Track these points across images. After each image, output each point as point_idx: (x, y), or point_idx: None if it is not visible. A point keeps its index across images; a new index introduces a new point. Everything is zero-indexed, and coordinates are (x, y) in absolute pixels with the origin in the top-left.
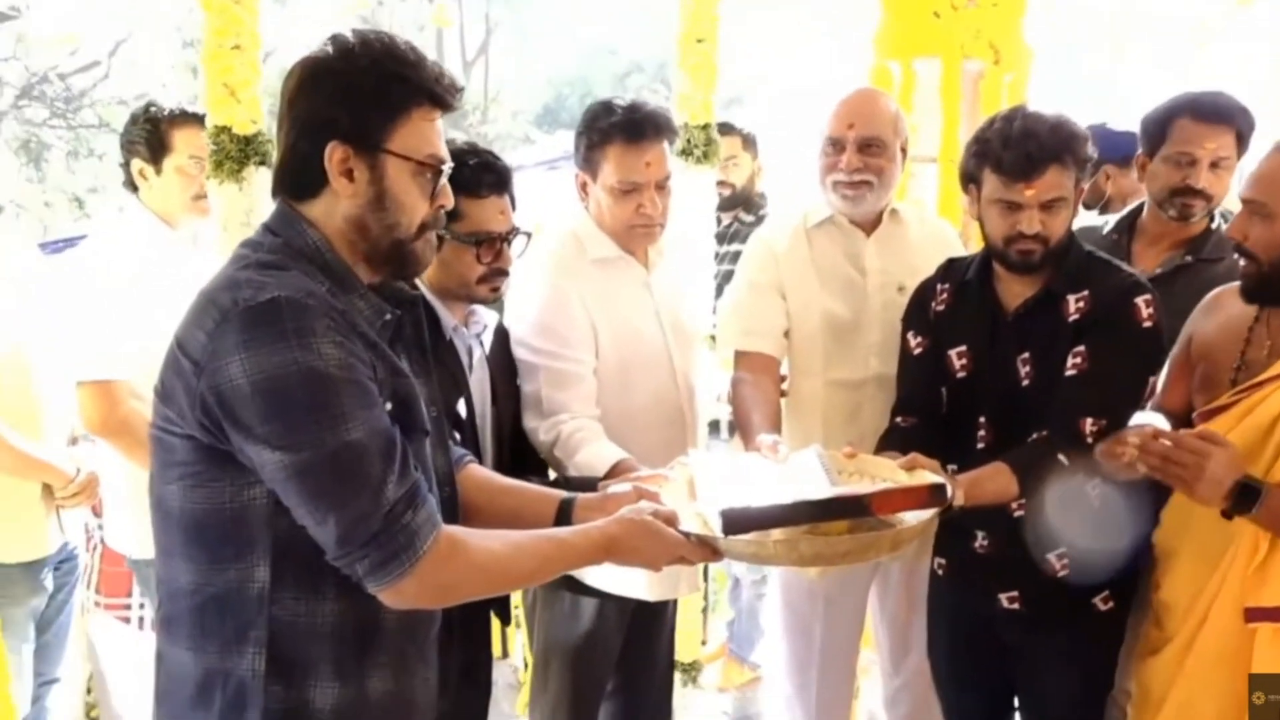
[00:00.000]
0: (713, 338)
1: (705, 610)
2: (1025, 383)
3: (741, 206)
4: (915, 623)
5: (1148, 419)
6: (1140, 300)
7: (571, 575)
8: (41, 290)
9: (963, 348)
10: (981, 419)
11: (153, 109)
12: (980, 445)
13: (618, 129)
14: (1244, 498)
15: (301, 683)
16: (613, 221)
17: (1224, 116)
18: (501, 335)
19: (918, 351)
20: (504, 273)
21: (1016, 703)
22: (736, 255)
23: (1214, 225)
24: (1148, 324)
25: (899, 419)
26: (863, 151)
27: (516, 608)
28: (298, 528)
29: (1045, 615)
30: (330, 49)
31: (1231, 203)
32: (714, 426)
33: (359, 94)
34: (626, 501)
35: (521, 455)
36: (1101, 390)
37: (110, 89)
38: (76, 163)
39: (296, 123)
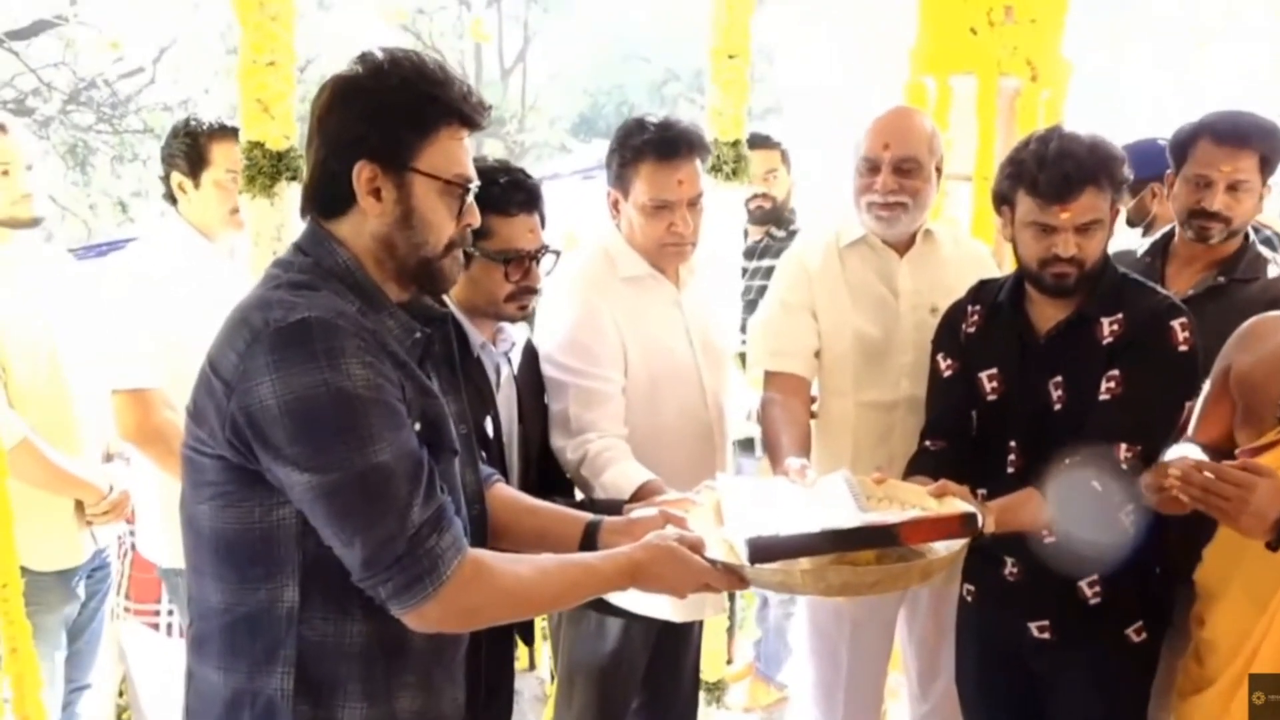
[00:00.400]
0: (742, 356)
1: (731, 629)
2: (1057, 406)
3: (773, 222)
4: (944, 647)
5: (1184, 452)
6: (1176, 323)
7: None
8: (76, 298)
9: (993, 370)
10: (1012, 443)
11: (192, 123)
12: (1010, 469)
13: (650, 147)
14: None
15: (329, 703)
16: (644, 239)
17: (1243, 139)
18: (530, 353)
19: (948, 374)
20: (533, 291)
21: None
22: (768, 270)
23: (1248, 244)
24: (1183, 348)
25: (928, 442)
26: (898, 173)
27: (542, 621)
28: (326, 548)
29: (1076, 645)
30: (360, 68)
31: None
32: (746, 445)
33: (388, 113)
34: (653, 526)
35: (548, 474)
36: (1136, 415)
37: (156, 94)
38: (121, 167)
39: (326, 141)
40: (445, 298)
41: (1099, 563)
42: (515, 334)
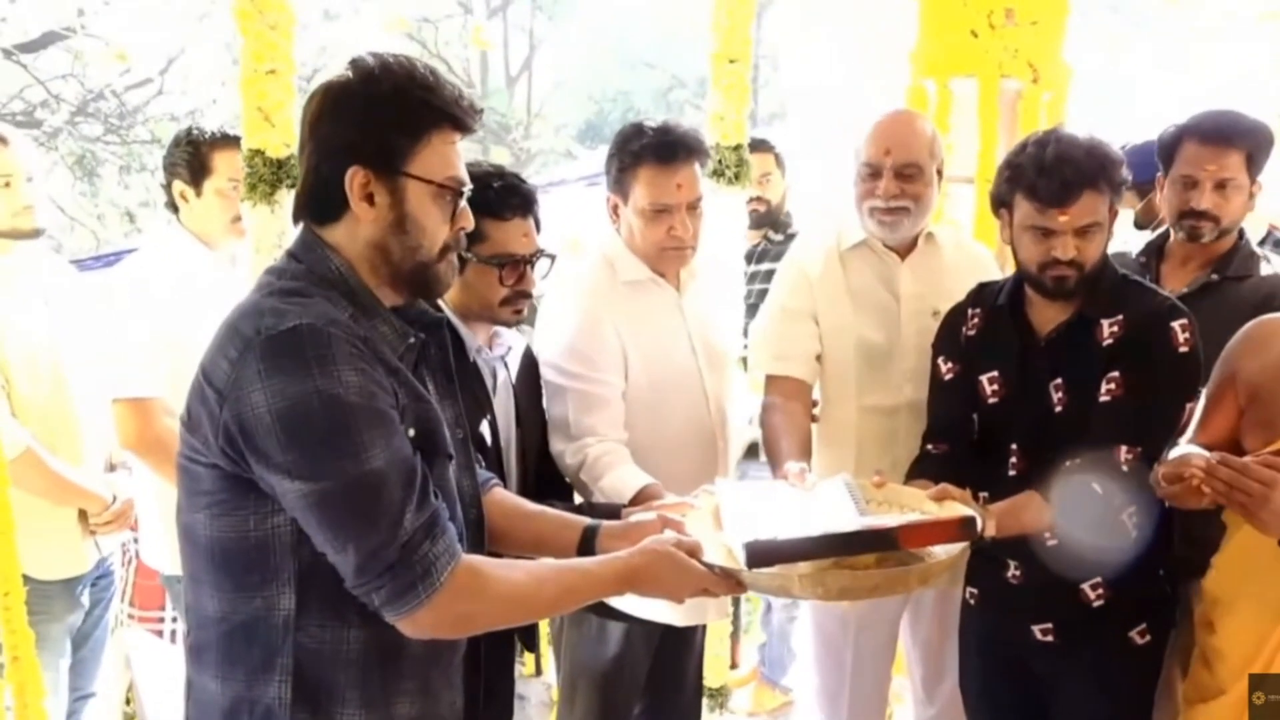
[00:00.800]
0: (744, 360)
1: (735, 634)
2: (1058, 409)
3: (770, 226)
4: (948, 649)
5: (1187, 452)
6: (1177, 324)
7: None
8: (78, 308)
9: (994, 373)
10: (1013, 445)
11: (194, 131)
12: (1012, 472)
13: (649, 151)
14: None
15: (327, 710)
16: (644, 244)
17: (1228, 138)
18: (529, 359)
19: (948, 377)
20: (527, 295)
21: None
22: (766, 274)
23: (1242, 242)
24: (1184, 349)
25: (930, 446)
26: (900, 178)
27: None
28: (321, 556)
29: (1079, 647)
30: (351, 73)
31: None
32: (751, 450)
33: (379, 118)
34: (651, 531)
35: (546, 478)
36: (1137, 417)
37: (163, 105)
38: (128, 177)
39: (318, 147)
40: (440, 302)
41: (1101, 565)
42: (512, 338)
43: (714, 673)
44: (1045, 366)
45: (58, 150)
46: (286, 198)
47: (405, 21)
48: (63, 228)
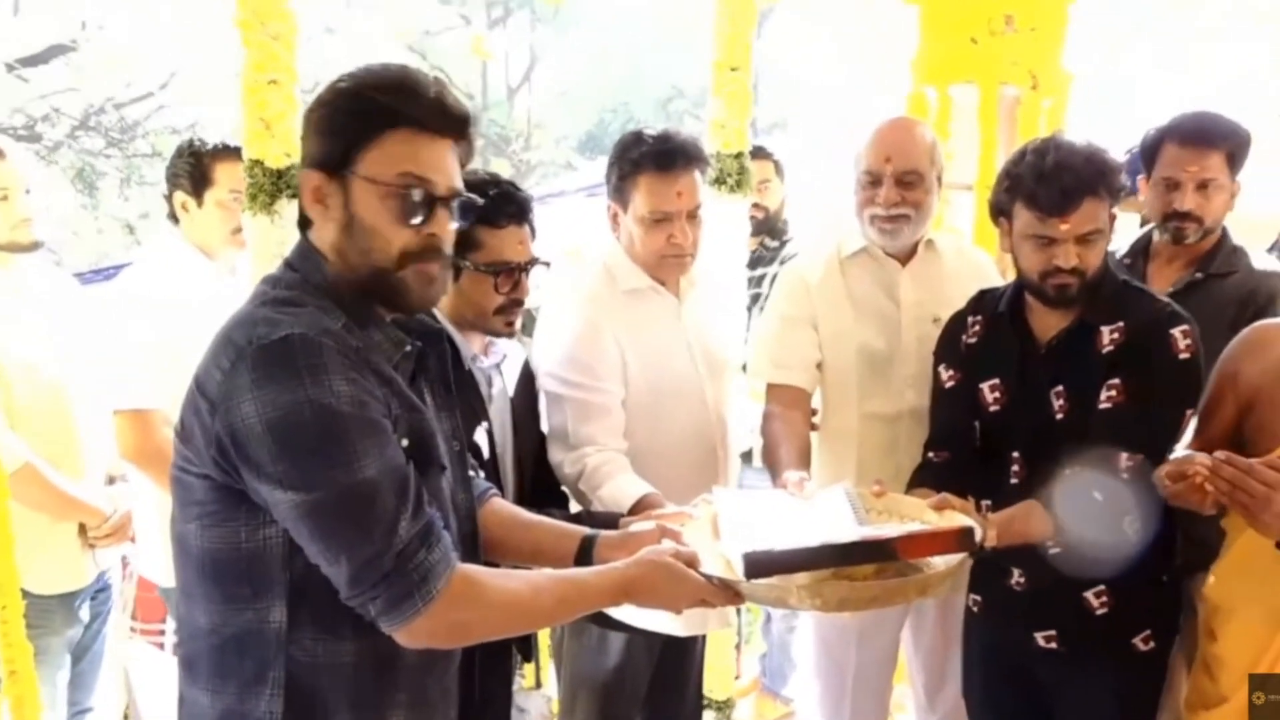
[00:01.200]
0: (745, 368)
1: (739, 645)
2: (1059, 416)
3: (766, 233)
4: (951, 657)
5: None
6: (1177, 331)
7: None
8: (78, 321)
9: (995, 380)
10: (1015, 453)
11: (196, 143)
12: (1014, 480)
13: (648, 159)
14: None
15: None
16: (644, 252)
17: (1207, 139)
18: (527, 369)
19: (949, 385)
20: (520, 303)
21: None
22: (760, 280)
23: (1225, 239)
24: (1184, 355)
25: (931, 454)
26: (900, 185)
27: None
28: (314, 568)
29: (1083, 655)
30: (327, 85)
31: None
32: (748, 457)
33: (332, 120)
34: (649, 541)
35: (543, 487)
36: (1137, 424)
37: (164, 119)
38: (129, 189)
39: (301, 157)
40: (434, 311)
41: (1104, 572)
42: (509, 348)
43: (719, 685)
44: (1046, 374)
45: (58, 164)
46: (286, 208)
47: (408, 34)
48: (64, 241)
